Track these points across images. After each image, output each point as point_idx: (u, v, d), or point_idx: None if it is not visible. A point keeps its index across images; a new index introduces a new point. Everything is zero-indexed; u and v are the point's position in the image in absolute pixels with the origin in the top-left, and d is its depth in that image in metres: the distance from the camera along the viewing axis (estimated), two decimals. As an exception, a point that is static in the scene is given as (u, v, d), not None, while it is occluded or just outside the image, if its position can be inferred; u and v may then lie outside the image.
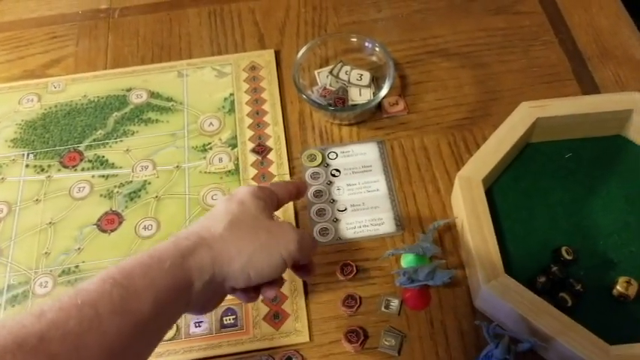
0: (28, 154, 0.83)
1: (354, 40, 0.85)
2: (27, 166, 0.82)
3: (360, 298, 0.70)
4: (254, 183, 0.78)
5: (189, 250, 0.51)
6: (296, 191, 0.64)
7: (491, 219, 0.69)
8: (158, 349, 0.68)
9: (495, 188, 0.76)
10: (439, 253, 0.69)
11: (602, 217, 0.73)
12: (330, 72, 0.84)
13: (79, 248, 0.75)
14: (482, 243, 0.67)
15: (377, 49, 0.84)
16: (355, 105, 0.81)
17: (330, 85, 0.83)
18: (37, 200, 0.79)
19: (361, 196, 0.77)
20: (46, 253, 0.75)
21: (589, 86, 0.85)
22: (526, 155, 0.78)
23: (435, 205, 0.77)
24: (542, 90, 0.85)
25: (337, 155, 0.81)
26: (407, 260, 0.69)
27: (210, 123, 0.84)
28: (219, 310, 0.70)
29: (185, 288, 0.50)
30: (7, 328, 0.41)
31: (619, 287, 0.67)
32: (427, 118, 0.84)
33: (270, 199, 0.59)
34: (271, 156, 0.81)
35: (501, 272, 0.65)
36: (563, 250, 0.70)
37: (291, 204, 0.76)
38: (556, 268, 0.69)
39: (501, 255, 0.66)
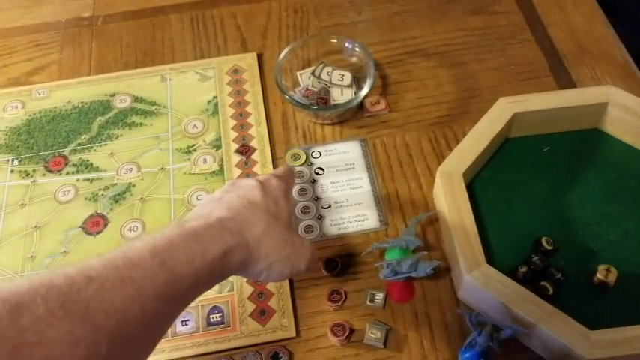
0: (13, 160, 0.83)
1: (335, 41, 0.86)
2: (12, 171, 0.82)
3: (346, 292, 0.71)
4: (238, 183, 0.79)
5: (232, 248, 0.53)
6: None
7: (472, 212, 0.70)
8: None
9: (476, 182, 0.77)
10: (421, 245, 0.70)
11: (581, 208, 0.75)
12: (312, 73, 0.85)
13: (64, 251, 0.75)
14: (463, 235, 0.68)
15: (357, 49, 0.85)
16: (337, 104, 0.83)
17: (312, 86, 0.85)
18: (22, 205, 0.79)
19: (345, 193, 0.78)
20: (31, 256, 0.75)
21: (566, 82, 0.87)
22: (505, 150, 0.80)
23: (418, 200, 0.78)
24: (520, 87, 0.87)
25: (320, 154, 0.82)
26: (391, 254, 0.70)
27: (194, 125, 0.85)
28: (206, 308, 0.71)
29: (216, 281, 0.54)
30: (57, 288, 0.41)
31: (599, 275, 0.68)
32: (408, 116, 0.85)
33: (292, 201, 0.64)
34: (255, 156, 0.82)
35: (483, 262, 0.66)
36: (544, 240, 0.71)
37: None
38: (537, 257, 0.70)
39: (483, 246, 0.68)
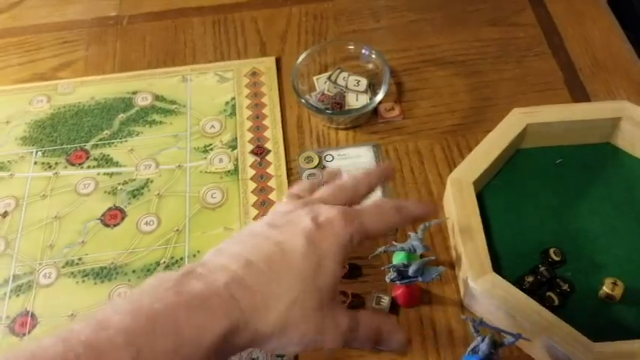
0: (36, 152, 0.86)
1: (352, 47, 0.88)
2: (35, 163, 0.85)
3: (352, 294, 0.72)
4: (252, 183, 0.81)
5: (236, 329, 0.42)
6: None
7: (481, 220, 0.71)
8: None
9: (486, 191, 0.78)
10: (428, 251, 0.71)
11: (590, 221, 0.75)
12: (329, 78, 0.86)
13: (82, 241, 0.78)
14: (471, 242, 0.69)
15: (374, 56, 0.87)
16: (352, 109, 0.84)
17: (328, 91, 0.86)
18: (43, 196, 0.82)
19: (356, 197, 0.80)
20: (50, 245, 0.78)
21: (580, 95, 0.87)
22: (517, 160, 0.81)
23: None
24: (535, 98, 0.87)
25: (333, 158, 0.83)
26: (398, 258, 0.71)
27: (212, 125, 0.87)
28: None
29: None
30: None
31: (605, 288, 0.69)
32: (422, 123, 0.86)
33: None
34: (269, 157, 0.83)
35: (489, 270, 0.67)
36: (552, 251, 0.72)
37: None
38: (544, 268, 0.71)
39: (490, 255, 0.68)
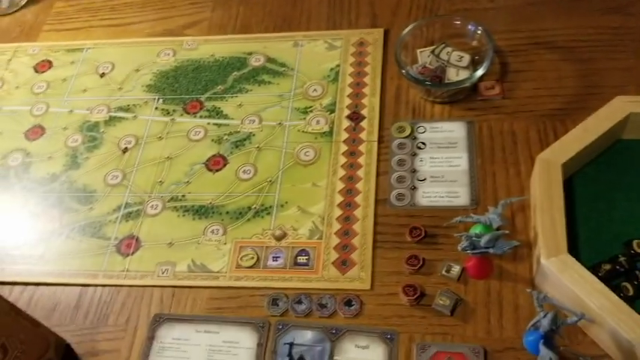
0: (158, 99, 0.96)
1: (458, 23, 0.89)
2: (156, 108, 0.95)
3: (424, 259, 0.75)
4: (344, 146, 0.85)
5: None
6: None
7: (564, 202, 0.70)
8: (238, 273, 0.78)
9: (577, 177, 0.76)
10: (504, 225, 0.71)
11: (685, 220, 0.72)
12: (432, 52, 0.88)
13: (187, 181, 0.86)
14: (549, 221, 0.69)
15: (479, 33, 0.87)
16: (450, 82, 0.85)
17: (430, 64, 0.88)
18: (160, 138, 0.92)
19: (442, 169, 0.81)
20: (160, 181, 0.87)
21: (697, 92, 0.82)
22: (615, 150, 0.78)
23: (514, 187, 0.79)
24: (647, 90, 0.84)
25: (426, 130, 0.85)
26: (474, 229, 0.72)
27: (315, 89, 0.92)
28: (295, 249, 0.78)
29: None
30: None
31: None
32: (521, 104, 0.86)
33: None
34: (364, 124, 0.87)
35: (564, 251, 0.66)
36: (635, 243, 0.70)
37: (373, 170, 0.83)
38: (624, 259, 0.69)
39: (570, 239, 0.68)
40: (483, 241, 0.68)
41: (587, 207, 0.74)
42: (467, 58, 0.87)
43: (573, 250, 0.68)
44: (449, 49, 0.88)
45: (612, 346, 0.64)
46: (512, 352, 0.67)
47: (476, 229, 0.72)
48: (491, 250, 0.69)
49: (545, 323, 0.62)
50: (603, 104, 0.79)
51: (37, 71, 1.04)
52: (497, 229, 0.71)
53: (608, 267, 0.68)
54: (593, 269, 0.67)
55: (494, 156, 0.81)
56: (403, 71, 0.85)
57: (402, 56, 0.87)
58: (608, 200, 0.74)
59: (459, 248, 0.71)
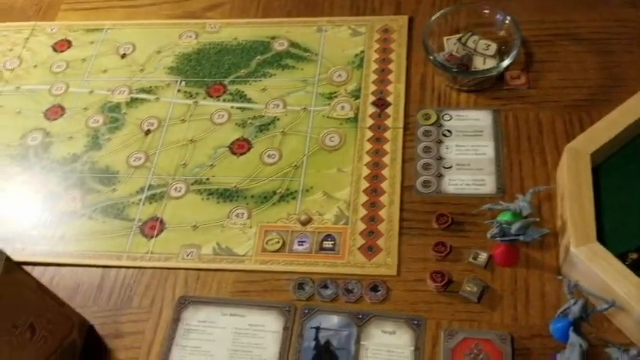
0: (180, 81, 0.96)
1: (487, 12, 0.88)
2: (179, 91, 0.95)
3: (451, 246, 0.75)
4: (369, 132, 0.85)
5: None
6: None
7: (593, 191, 0.71)
8: (264, 257, 0.78)
9: (604, 166, 0.76)
10: (534, 213, 0.71)
11: None
12: (459, 39, 0.88)
13: (211, 164, 0.86)
14: (578, 210, 0.69)
15: (507, 22, 0.87)
16: (477, 71, 0.85)
17: (456, 52, 0.88)
18: (183, 120, 0.91)
19: (468, 157, 0.82)
20: (184, 164, 0.87)
21: None
22: (642, 141, 0.79)
23: (540, 175, 0.79)
24: (670, 85, 0.84)
25: (451, 117, 0.85)
26: (503, 216, 0.73)
27: (339, 74, 0.92)
28: (321, 234, 0.78)
29: None
30: None
31: None
32: (546, 95, 0.86)
33: None
34: (389, 110, 0.87)
35: (593, 239, 0.67)
36: (662, 233, 0.70)
37: (398, 157, 0.83)
38: (651, 248, 0.69)
39: (597, 228, 0.68)
40: (514, 228, 0.69)
41: (612, 196, 0.74)
42: (494, 46, 0.87)
43: (600, 239, 0.68)
44: (475, 37, 0.88)
45: (638, 334, 0.64)
46: (538, 339, 0.68)
47: (504, 217, 0.72)
48: (521, 238, 0.69)
49: (575, 310, 0.63)
50: (627, 96, 0.79)
51: (55, 50, 1.03)
52: (527, 216, 0.72)
53: (634, 256, 0.68)
54: (620, 258, 0.67)
55: (520, 145, 0.82)
56: (431, 57, 0.85)
57: (429, 42, 0.87)
58: (634, 190, 0.75)
59: (489, 235, 0.71)
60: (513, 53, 0.83)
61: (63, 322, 0.72)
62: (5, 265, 0.61)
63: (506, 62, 0.83)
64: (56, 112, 0.96)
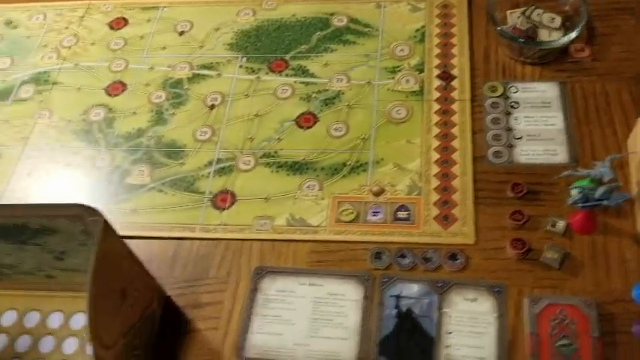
0: (241, 57, 0.96)
1: (551, -15, 0.89)
2: (240, 67, 0.95)
3: (528, 215, 0.75)
4: (436, 105, 0.86)
5: None
6: None
7: (669, 159, 0.71)
8: (338, 227, 0.78)
9: (675, 137, 0.77)
10: (615, 178, 0.71)
11: None
12: (523, 13, 0.89)
13: (278, 138, 0.87)
14: (658, 177, 0.70)
15: (572, -4, 0.87)
16: (543, 42, 0.86)
17: (520, 25, 0.88)
18: (246, 95, 0.92)
19: (537, 128, 0.82)
20: (250, 138, 0.87)
21: None
22: None
23: (611, 145, 0.80)
24: None
25: (518, 90, 0.86)
26: (582, 183, 0.73)
27: (402, 49, 0.92)
28: (394, 205, 0.79)
29: None
30: None
31: None
32: (611, 67, 0.86)
33: None
34: (455, 83, 0.88)
35: (675, 205, 0.68)
36: None
37: (467, 128, 0.83)
38: None
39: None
40: (598, 193, 0.69)
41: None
42: (558, 19, 0.87)
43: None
44: (539, 10, 0.88)
45: None
46: (621, 304, 0.69)
47: (582, 183, 0.73)
48: (605, 202, 0.69)
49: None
50: (691, 69, 0.80)
51: (112, 28, 1.03)
52: (609, 182, 0.72)
53: None
54: (702, 224, 0.68)
55: (589, 116, 0.82)
56: (498, 29, 0.86)
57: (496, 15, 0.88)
58: None
59: (570, 202, 0.72)
60: (581, 25, 0.84)
61: (147, 292, 0.73)
62: (104, 228, 0.62)
63: (574, 34, 0.84)
64: (117, 88, 0.96)
